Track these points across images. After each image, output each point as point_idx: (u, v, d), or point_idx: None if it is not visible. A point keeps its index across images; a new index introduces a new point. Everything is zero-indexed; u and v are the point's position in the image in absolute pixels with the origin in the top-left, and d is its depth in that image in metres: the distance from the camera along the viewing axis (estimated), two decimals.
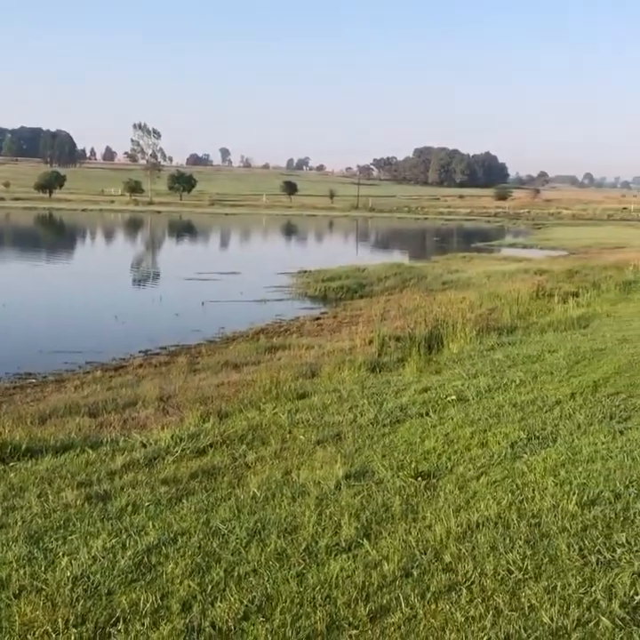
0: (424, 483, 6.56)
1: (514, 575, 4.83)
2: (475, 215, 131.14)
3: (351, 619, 4.42)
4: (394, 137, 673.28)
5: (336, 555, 5.24)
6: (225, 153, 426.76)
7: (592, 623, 4.26)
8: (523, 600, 4.54)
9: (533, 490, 6.25)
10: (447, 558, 5.09)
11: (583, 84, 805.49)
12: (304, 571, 5.02)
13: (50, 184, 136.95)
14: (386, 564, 5.03)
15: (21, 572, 5.11)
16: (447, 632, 4.25)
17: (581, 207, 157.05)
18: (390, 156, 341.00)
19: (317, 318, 23.75)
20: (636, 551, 5.08)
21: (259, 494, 6.50)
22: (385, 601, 4.59)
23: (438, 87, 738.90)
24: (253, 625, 4.38)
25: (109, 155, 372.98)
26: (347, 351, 14.75)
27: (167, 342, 19.53)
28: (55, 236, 72.28)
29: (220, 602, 4.64)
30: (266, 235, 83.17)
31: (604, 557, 5.01)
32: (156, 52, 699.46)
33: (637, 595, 4.51)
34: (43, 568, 5.17)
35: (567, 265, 35.15)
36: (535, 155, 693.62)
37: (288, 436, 8.36)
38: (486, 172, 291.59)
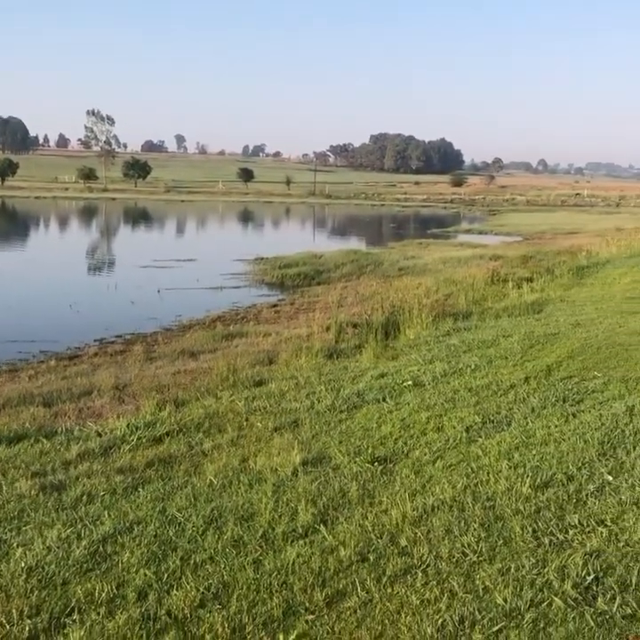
0: (380, 468, 6.61)
1: (468, 558, 4.89)
2: (431, 201, 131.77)
3: (307, 604, 4.44)
4: (350, 123, 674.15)
5: (293, 541, 5.25)
6: (180, 139, 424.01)
7: (545, 604, 4.33)
8: (477, 582, 4.59)
9: (488, 473, 6.32)
10: (403, 542, 5.13)
11: (538, 72, 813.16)
12: (261, 557, 5.03)
13: (2, 171, 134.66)
14: (342, 549, 5.06)
15: None
16: (403, 615, 4.29)
17: (535, 193, 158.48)
18: (346, 143, 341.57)
19: (274, 305, 23.69)
20: (588, 532, 5.16)
21: (215, 482, 6.50)
22: (341, 586, 4.61)
23: (394, 74, 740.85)
24: (210, 612, 4.38)
25: (63, 142, 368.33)
26: (304, 338, 14.75)
27: (123, 330, 19.34)
28: (8, 224, 71.12)
29: (177, 590, 4.63)
30: (222, 222, 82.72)
31: (557, 539, 5.09)
32: (110, 38, 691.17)
33: (589, 575, 4.59)
34: None
35: (521, 250, 35.50)
36: (490, 141, 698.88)
37: (245, 423, 8.35)
38: (442, 159, 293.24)
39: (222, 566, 4.92)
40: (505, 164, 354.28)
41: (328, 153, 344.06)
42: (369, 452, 6.98)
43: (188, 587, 4.65)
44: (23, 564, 5.00)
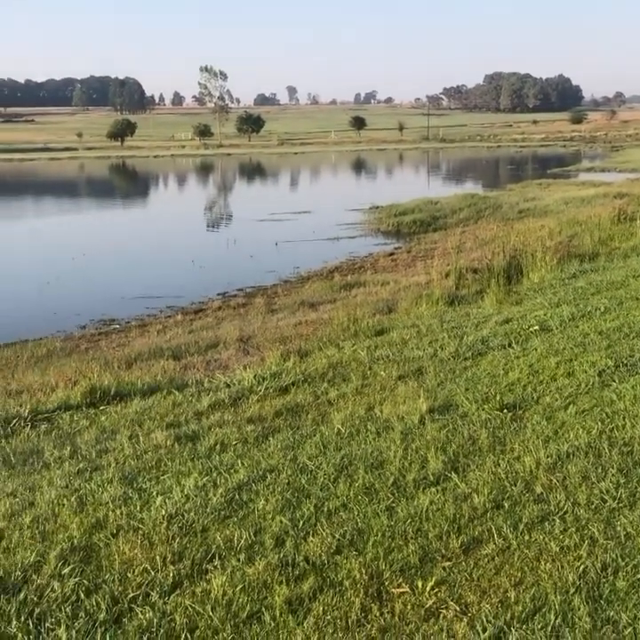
0: (510, 414, 6.49)
1: (608, 504, 4.76)
2: (550, 140, 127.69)
3: (444, 551, 4.42)
4: (463, 64, 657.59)
5: (424, 488, 5.23)
6: (292, 91, 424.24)
7: None
8: (618, 529, 4.47)
9: (624, 418, 6.13)
10: (538, 489, 5.04)
11: None
12: (393, 505, 5.03)
13: (121, 132, 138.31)
14: (476, 496, 5.01)
15: (118, 512, 5.24)
16: (542, 562, 4.22)
17: None
18: (460, 84, 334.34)
19: (391, 254, 23.57)
20: None
21: (343, 430, 6.52)
22: (477, 533, 4.57)
23: (506, 9, 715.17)
24: (346, 558, 4.42)
25: (178, 99, 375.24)
26: (423, 285, 14.62)
27: (244, 284, 19.72)
28: (129, 184, 73.11)
29: (313, 536, 4.69)
30: (336, 172, 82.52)
31: None
32: None
33: None
34: (138, 508, 5.29)
35: None
36: (610, 75, 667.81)
37: (368, 372, 8.34)
38: (560, 96, 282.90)
39: (356, 513, 4.95)
40: (627, 97, 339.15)
41: (441, 96, 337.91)
42: (497, 398, 6.86)
43: (324, 533, 4.70)
44: (164, 512, 5.15)
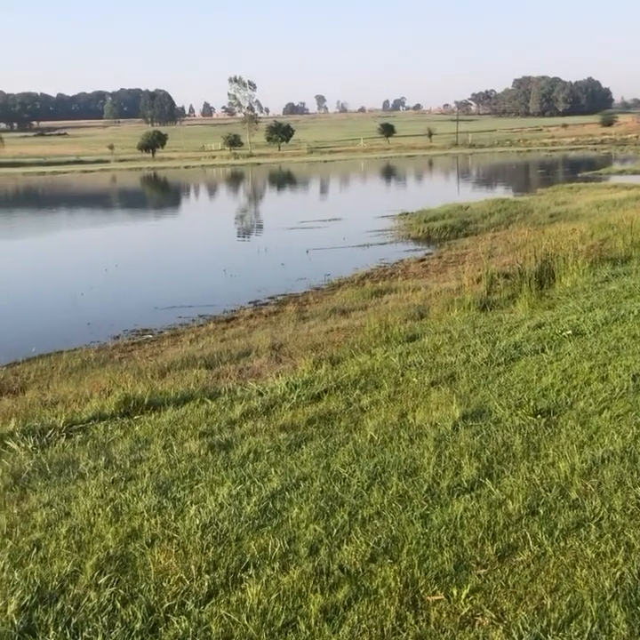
0: (544, 420, 6.45)
1: None
2: (580, 144, 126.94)
3: (479, 558, 4.40)
4: (491, 69, 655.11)
5: (459, 495, 5.21)
6: (320, 100, 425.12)
7: None
8: None
9: None
10: (573, 495, 5.00)
11: None
12: (427, 512, 5.01)
13: (152, 144, 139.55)
14: (510, 502, 4.98)
15: (152, 521, 5.27)
16: (578, 569, 4.18)
17: None
18: (489, 89, 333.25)
19: (422, 260, 23.48)
20: None
21: (376, 437, 6.51)
22: (512, 539, 4.54)
23: (535, 12, 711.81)
24: (381, 567, 4.41)
25: (208, 110, 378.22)
26: (454, 291, 14.55)
27: (275, 292, 19.75)
28: (161, 195, 73.66)
29: (347, 545, 4.69)
30: (365, 179, 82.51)
31: None
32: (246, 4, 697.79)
33: None
34: (172, 517, 5.32)
35: None
36: None
37: (401, 378, 8.31)
38: (590, 99, 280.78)
39: (390, 521, 4.93)
40: None
41: (470, 101, 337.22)
42: (531, 404, 6.82)
43: (358, 541, 4.70)
44: (198, 521, 5.17)
